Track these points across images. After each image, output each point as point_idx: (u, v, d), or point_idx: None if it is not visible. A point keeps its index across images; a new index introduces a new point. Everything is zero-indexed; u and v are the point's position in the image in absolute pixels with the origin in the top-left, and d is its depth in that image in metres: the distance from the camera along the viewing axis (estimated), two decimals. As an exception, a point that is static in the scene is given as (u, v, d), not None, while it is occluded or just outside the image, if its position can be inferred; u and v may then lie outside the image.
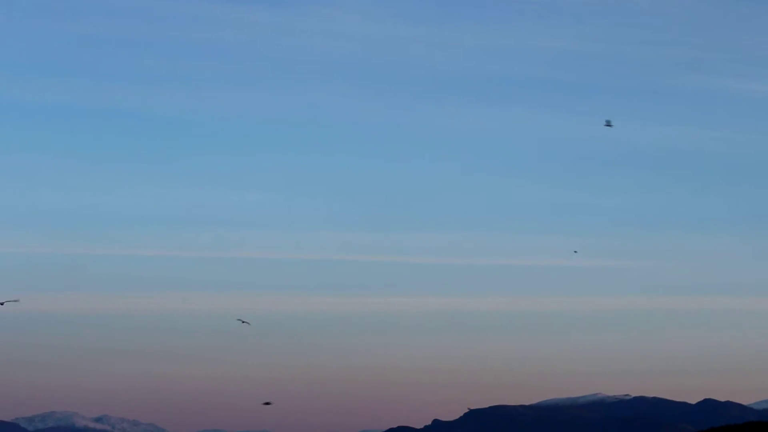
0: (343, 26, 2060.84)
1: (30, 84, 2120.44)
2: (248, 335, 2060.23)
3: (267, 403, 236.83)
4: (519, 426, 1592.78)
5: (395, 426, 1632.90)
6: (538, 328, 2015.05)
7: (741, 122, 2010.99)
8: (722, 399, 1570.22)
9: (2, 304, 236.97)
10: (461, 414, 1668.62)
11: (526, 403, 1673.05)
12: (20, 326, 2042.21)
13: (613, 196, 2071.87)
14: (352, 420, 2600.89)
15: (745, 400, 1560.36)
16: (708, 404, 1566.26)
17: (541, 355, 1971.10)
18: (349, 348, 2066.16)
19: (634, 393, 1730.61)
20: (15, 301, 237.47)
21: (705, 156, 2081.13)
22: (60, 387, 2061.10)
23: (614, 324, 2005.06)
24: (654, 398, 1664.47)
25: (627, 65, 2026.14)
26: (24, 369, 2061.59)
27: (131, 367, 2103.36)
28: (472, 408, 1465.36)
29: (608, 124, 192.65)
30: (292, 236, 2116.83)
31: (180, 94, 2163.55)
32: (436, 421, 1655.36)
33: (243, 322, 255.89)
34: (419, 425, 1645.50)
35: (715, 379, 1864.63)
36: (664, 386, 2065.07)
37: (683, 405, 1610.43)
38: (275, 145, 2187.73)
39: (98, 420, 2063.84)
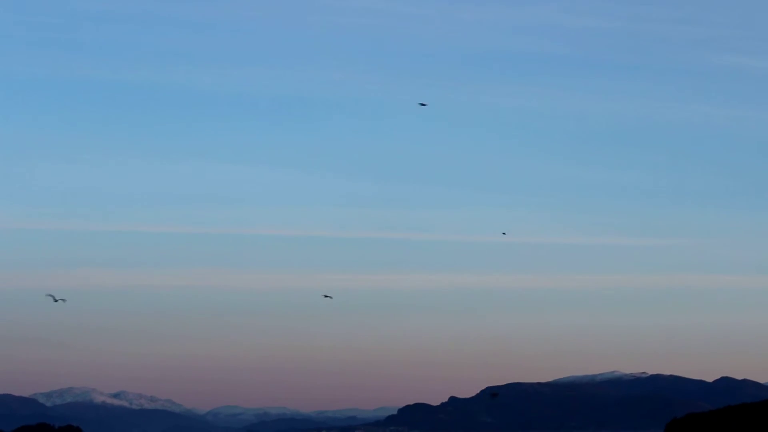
0: (357, 2, 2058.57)
1: (35, 59, 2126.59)
2: (261, 314, 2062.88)
3: (327, 296, 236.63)
4: (535, 403, 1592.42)
5: (412, 403, 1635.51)
6: (555, 306, 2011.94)
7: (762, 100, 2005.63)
8: (739, 377, 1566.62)
9: (57, 300, 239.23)
10: (478, 391, 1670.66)
11: (543, 380, 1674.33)
12: (38, 303, 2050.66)
13: (633, 173, 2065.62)
14: (368, 397, 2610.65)
15: (762, 378, 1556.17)
16: (725, 382, 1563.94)
17: (558, 333, 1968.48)
18: (366, 326, 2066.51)
19: (651, 371, 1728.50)
20: (63, 300, 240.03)
21: (729, 135, 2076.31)
22: (78, 363, 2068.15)
23: (631, 302, 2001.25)
24: (671, 376, 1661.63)
25: (645, 42, 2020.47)
26: (42, 345, 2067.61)
27: (149, 344, 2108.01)
28: (494, 393, 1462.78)
29: (422, 104, 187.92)
30: (304, 214, 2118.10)
31: (190, 70, 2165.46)
32: (452, 399, 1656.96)
33: (326, 296, 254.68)
34: (436, 402, 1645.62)
35: (732, 358, 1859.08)
36: (681, 364, 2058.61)
37: (700, 383, 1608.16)
38: (286, 121, 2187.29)
39: (116, 396, 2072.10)
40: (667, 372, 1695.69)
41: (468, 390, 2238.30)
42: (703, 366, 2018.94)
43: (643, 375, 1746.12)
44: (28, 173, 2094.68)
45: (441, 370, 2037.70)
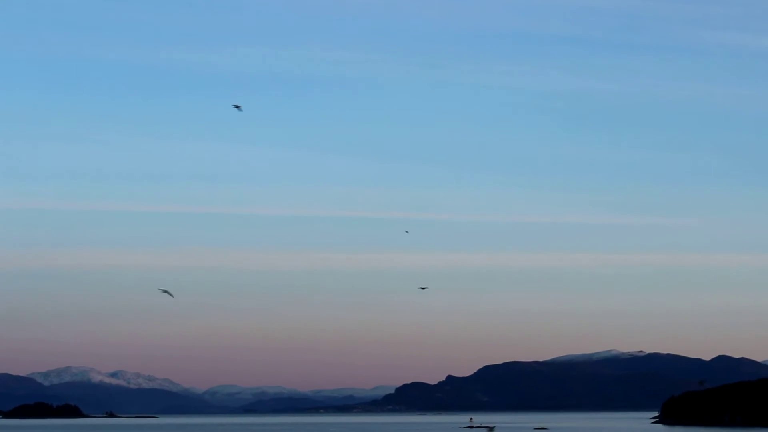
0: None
1: (32, 40, 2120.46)
2: (259, 293, 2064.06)
3: (423, 288, 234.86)
4: (533, 381, 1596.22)
5: (409, 382, 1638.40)
6: (552, 285, 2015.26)
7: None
8: (736, 356, 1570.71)
9: (167, 292, 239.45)
10: (475, 370, 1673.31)
11: (540, 359, 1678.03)
12: (35, 283, 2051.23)
13: (631, 152, 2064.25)
14: (366, 376, 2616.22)
15: (760, 356, 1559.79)
16: (722, 361, 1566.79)
17: (555, 312, 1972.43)
18: (363, 305, 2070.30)
19: (649, 349, 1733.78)
20: (170, 295, 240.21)
21: (725, 113, 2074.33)
22: (76, 343, 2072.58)
23: (628, 281, 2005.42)
24: (668, 355, 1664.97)
25: (644, 20, 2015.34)
26: (40, 325, 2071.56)
27: (146, 324, 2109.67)
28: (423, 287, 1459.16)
29: (237, 106, 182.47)
30: (302, 193, 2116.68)
31: (192, 48, 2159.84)
32: (450, 377, 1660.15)
33: (422, 288, 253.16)
34: (433, 381, 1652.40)
35: (730, 336, 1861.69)
36: (679, 343, 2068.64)
37: (697, 361, 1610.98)
38: (287, 100, 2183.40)
39: (113, 375, 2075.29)
40: (664, 351, 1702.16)
41: (465, 369, 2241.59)
42: (700, 345, 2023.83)
43: (641, 354, 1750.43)
44: (29, 152, 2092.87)
45: (438, 349, 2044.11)
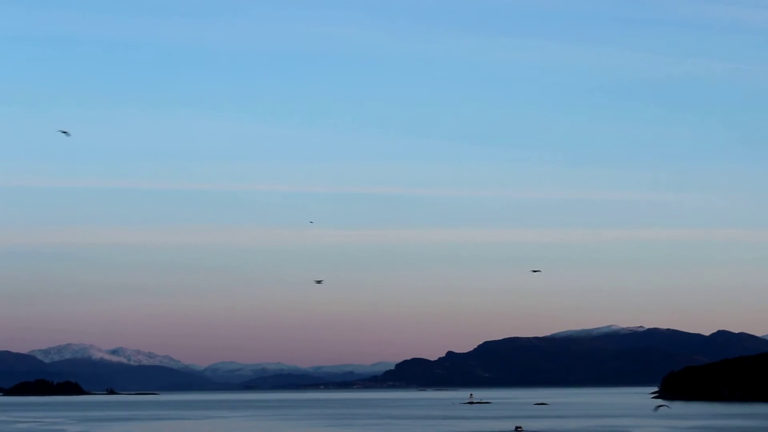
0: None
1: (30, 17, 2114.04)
2: (259, 270, 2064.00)
3: (318, 281, 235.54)
4: (533, 357, 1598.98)
5: (410, 358, 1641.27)
6: (552, 261, 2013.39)
7: None
8: (736, 331, 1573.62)
9: (320, 282, 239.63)
10: (475, 346, 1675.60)
11: (540, 335, 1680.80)
12: (36, 260, 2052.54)
13: (632, 128, 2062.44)
14: (366, 352, 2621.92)
15: (759, 331, 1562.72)
16: (721, 336, 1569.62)
17: (555, 288, 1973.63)
18: (363, 282, 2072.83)
19: (648, 325, 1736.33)
20: (320, 281, 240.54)
21: (729, 87, 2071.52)
22: (76, 320, 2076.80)
23: (628, 256, 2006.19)
24: (668, 330, 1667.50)
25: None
26: (40, 302, 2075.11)
27: (147, 301, 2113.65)
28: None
29: (64, 132, 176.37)
30: (302, 170, 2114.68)
31: (190, 22, 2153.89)
32: (450, 353, 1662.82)
33: (535, 271, 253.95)
34: (433, 357, 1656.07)
35: (729, 311, 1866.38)
36: (678, 318, 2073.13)
37: (697, 336, 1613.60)
38: (286, 75, 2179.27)
39: (114, 352, 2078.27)
40: (663, 326, 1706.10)
41: (465, 345, 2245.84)
42: (699, 320, 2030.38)
43: (640, 329, 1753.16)
44: (30, 130, 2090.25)
45: (438, 326, 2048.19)
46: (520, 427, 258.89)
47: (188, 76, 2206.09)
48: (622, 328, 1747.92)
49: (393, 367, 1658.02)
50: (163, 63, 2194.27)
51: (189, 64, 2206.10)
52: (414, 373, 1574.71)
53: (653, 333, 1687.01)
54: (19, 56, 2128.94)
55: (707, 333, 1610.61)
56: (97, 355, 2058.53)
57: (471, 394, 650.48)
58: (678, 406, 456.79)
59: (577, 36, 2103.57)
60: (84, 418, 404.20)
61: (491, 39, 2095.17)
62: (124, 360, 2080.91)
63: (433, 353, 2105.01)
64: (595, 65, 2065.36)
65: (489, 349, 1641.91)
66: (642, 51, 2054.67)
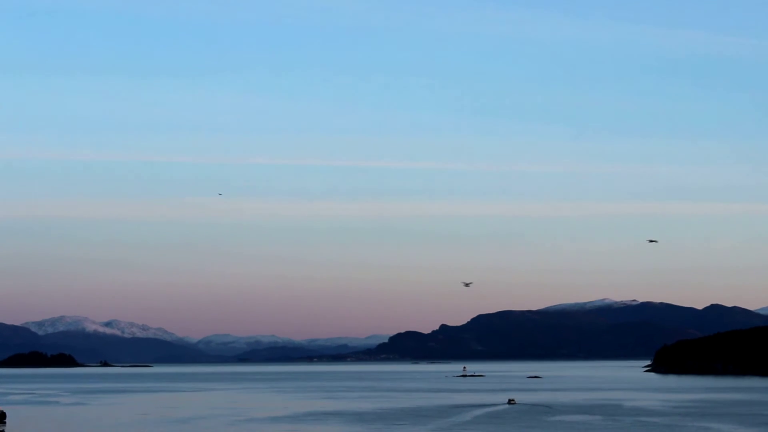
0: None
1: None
2: (252, 243, 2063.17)
3: (467, 284, 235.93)
4: (526, 330, 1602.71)
5: (403, 331, 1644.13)
6: (545, 235, 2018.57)
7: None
8: (729, 305, 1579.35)
9: (468, 285, 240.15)
10: (469, 319, 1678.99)
11: (533, 308, 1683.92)
12: (30, 233, 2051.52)
13: (626, 102, 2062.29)
14: (360, 326, 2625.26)
15: (752, 305, 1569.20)
16: (714, 310, 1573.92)
17: (548, 261, 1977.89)
18: (357, 255, 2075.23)
19: (641, 298, 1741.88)
20: (469, 284, 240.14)
21: (721, 63, 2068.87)
22: (70, 292, 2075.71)
23: (621, 230, 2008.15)
24: (661, 304, 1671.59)
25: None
26: (34, 275, 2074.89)
27: (141, 273, 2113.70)
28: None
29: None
30: (294, 142, 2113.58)
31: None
32: (443, 326, 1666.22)
33: (651, 241, 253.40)
34: (427, 330, 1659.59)
35: (723, 285, 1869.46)
36: (671, 292, 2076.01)
37: (690, 310, 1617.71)
38: (279, 48, 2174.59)
39: (108, 324, 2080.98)
40: (657, 300, 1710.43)
41: (459, 318, 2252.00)
42: (693, 293, 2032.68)
43: (633, 302, 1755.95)
44: (21, 101, 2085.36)
45: (432, 299, 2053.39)
46: (513, 400, 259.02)
47: (177, 46, 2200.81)
48: (616, 302, 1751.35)
49: (386, 340, 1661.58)
50: (156, 36, 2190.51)
51: (181, 34, 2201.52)
52: (407, 346, 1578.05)
53: (646, 307, 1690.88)
54: None
55: (700, 307, 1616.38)
56: (91, 327, 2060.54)
57: (464, 367, 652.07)
58: (671, 380, 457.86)
59: (572, 7, 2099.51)
60: (78, 390, 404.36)
61: (488, 12, 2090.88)
62: (117, 332, 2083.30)
63: (427, 326, 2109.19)
64: (590, 39, 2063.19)
65: (482, 323, 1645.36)
66: (638, 23, 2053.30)
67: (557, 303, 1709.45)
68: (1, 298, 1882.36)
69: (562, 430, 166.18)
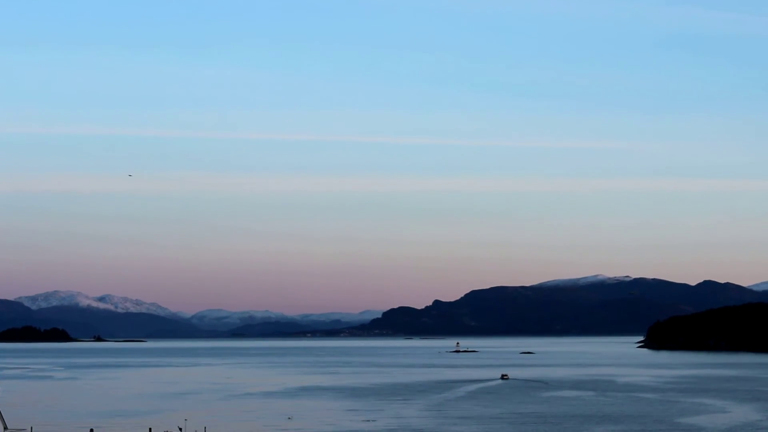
0: None
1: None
2: (246, 218, 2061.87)
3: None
4: (519, 306, 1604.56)
5: (397, 306, 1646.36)
6: (538, 210, 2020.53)
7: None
8: (722, 281, 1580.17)
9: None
10: (462, 295, 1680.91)
11: (527, 284, 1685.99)
12: (22, 207, 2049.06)
13: (617, 78, 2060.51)
14: (354, 300, 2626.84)
15: (745, 282, 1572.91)
16: (708, 286, 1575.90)
17: (541, 237, 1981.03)
18: (351, 230, 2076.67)
19: (634, 275, 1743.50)
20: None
21: (714, 38, 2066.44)
22: (63, 267, 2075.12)
23: (615, 206, 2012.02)
24: (654, 280, 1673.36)
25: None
26: (27, 249, 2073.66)
27: (134, 248, 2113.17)
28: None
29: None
30: (289, 117, 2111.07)
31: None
32: (437, 302, 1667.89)
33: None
34: (420, 306, 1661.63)
35: (716, 261, 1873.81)
36: (664, 268, 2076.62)
37: (683, 286, 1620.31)
38: (277, 21, 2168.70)
39: (101, 299, 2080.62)
40: (650, 276, 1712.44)
41: (452, 294, 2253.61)
42: (686, 269, 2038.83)
43: (627, 278, 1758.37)
44: (8, 75, 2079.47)
45: (425, 274, 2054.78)
46: (506, 375, 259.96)
47: (171, 19, 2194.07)
48: (609, 278, 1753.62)
49: (380, 316, 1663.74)
50: (154, 8, 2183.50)
51: (174, 7, 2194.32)
52: (401, 322, 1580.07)
53: (639, 283, 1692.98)
54: None
55: (693, 283, 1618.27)
56: (85, 302, 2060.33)
57: (458, 343, 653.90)
58: (663, 356, 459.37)
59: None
60: (71, 365, 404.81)
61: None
62: (111, 307, 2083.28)
63: (420, 302, 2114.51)
64: (588, 15, 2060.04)
65: (476, 298, 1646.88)
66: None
67: (551, 279, 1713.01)
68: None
69: (556, 405, 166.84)
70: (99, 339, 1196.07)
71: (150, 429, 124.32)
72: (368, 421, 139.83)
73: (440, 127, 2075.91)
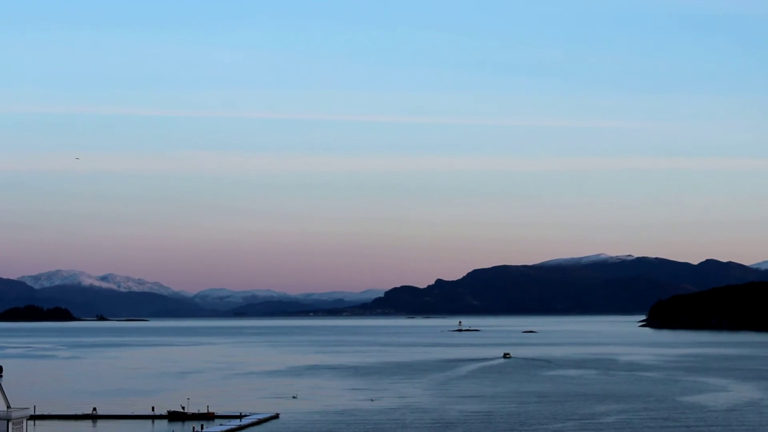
0: None
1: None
2: (248, 197, 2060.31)
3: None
4: (521, 285, 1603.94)
5: (399, 285, 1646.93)
6: (540, 189, 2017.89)
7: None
8: (724, 260, 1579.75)
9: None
10: (464, 274, 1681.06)
11: (529, 263, 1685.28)
12: (26, 187, 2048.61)
13: (621, 57, 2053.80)
14: (356, 279, 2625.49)
15: (747, 260, 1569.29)
16: (710, 265, 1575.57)
17: (544, 216, 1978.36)
18: (354, 210, 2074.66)
19: (637, 253, 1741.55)
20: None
21: (719, 17, 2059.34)
22: (66, 246, 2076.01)
23: (618, 185, 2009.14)
24: (656, 258, 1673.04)
25: None
26: (29, 229, 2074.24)
27: (137, 227, 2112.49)
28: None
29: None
30: (290, 96, 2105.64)
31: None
32: (439, 281, 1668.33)
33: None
34: (422, 285, 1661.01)
35: (718, 240, 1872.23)
36: (667, 247, 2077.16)
37: (685, 265, 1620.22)
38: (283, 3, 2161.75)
39: (104, 279, 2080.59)
40: (652, 254, 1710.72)
41: (454, 273, 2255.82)
42: (688, 248, 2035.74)
43: (629, 257, 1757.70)
44: (8, 54, 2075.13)
45: (428, 254, 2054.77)
46: (508, 354, 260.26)
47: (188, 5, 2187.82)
48: (611, 257, 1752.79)
49: (382, 295, 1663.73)
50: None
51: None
52: (403, 301, 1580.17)
53: (642, 261, 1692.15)
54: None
55: (695, 262, 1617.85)
56: (87, 281, 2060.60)
57: (460, 322, 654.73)
58: (665, 335, 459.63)
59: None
60: (74, 344, 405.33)
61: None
62: (114, 286, 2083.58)
63: (423, 281, 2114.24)
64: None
65: (478, 277, 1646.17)
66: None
67: (553, 258, 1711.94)
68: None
69: (558, 384, 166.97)
70: (101, 318, 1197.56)
71: (153, 407, 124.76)
72: (372, 400, 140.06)
73: (442, 107, 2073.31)
